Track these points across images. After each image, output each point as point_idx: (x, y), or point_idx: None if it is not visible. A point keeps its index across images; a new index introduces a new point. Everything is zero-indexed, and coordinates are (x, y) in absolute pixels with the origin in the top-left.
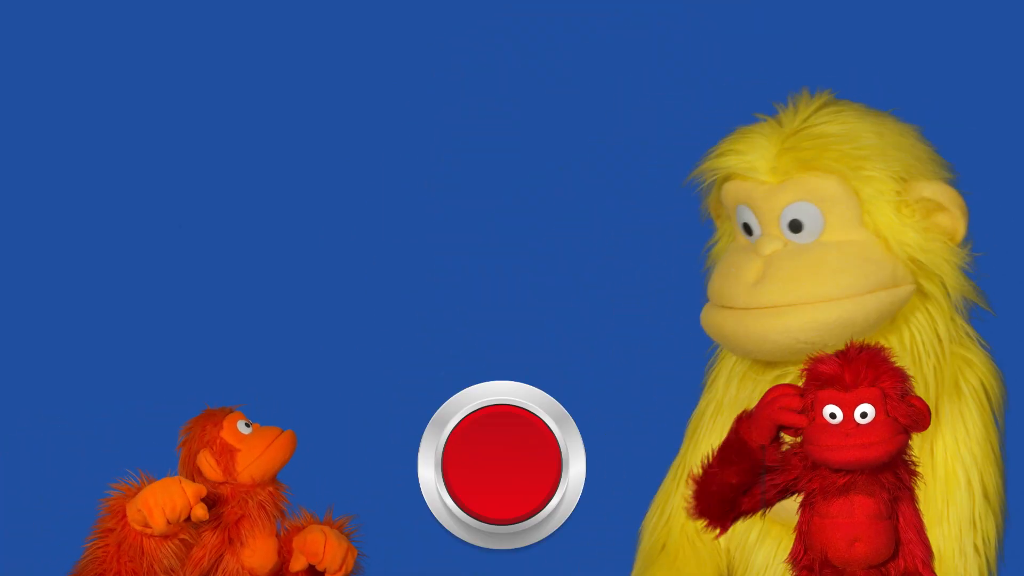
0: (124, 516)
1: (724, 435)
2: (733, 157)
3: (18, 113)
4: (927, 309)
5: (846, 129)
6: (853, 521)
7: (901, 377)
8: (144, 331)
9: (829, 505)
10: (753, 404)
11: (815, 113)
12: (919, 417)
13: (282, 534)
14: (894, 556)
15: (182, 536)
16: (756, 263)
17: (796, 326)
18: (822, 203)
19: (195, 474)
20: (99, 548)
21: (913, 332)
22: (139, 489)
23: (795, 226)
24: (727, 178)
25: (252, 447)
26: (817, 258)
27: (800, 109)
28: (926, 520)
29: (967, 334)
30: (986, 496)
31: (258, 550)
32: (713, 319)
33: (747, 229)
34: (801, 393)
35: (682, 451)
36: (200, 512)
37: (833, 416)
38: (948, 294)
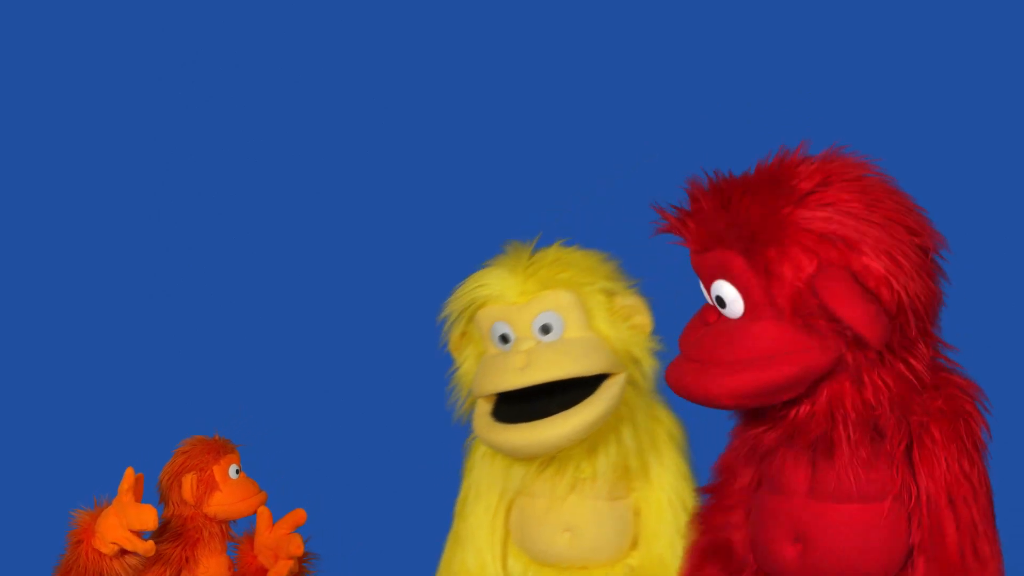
0: (88, 536)
1: (488, 515)
2: (486, 289)
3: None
4: (630, 387)
5: (570, 258)
6: (792, 503)
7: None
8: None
9: (768, 473)
10: (510, 482)
11: (543, 249)
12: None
13: (237, 553)
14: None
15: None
16: (519, 356)
17: (566, 432)
18: (562, 310)
19: (173, 485)
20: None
21: (622, 405)
22: (100, 511)
23: (546, 329)
24: (481, 306)
25: (231, 493)
26: (567, 346)
27: (530, 247)
28: (645, 536)
29: (654, 398)
30: (686, 510)
31: (211, 567)
32: (499, 437)
33: (504, 339)
34: None
35: (454, 529)
36: (148, 547)
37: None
38: (644, 373)
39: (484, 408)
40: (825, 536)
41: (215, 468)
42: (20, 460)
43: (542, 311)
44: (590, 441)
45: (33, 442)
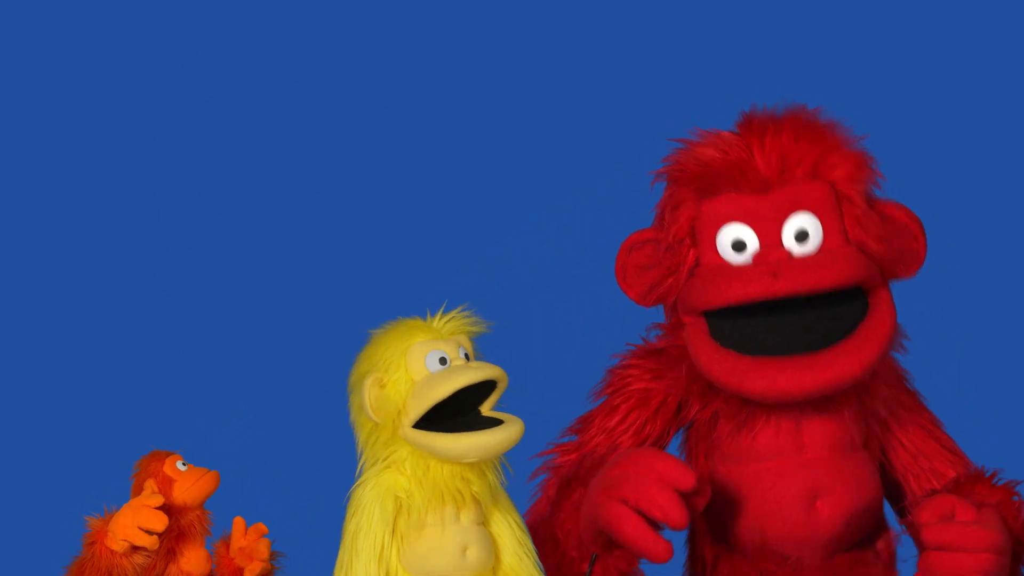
0: (101, 538)
1: (376, 552)
2: (424, 332)
3: None
4: None
5: (463, 318)
6: (802, 462)
7: (863, 159)
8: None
9: (752, 440)
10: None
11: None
12: (904, 230)
13: (215, 555)
14: (881, 526)
15: (144, 554)
16: (456, 363)
17: (514, 437)
18: (470, 351)
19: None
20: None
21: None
22: (111, 516)
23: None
24: (416, 343)
25: (186, 479)
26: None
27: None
28: (502, 554)
29: None
30: (524, 532)
31: (193, 558)
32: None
33: (443, 361)
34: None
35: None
36: (153, 541)
37: (740, 247)
38: None
39: (420, 435)
40: (851, 489)
41: (164, 468)
42: (20, 460)
43: (461, 346)
44: (477, 468)
45: (33, 443)
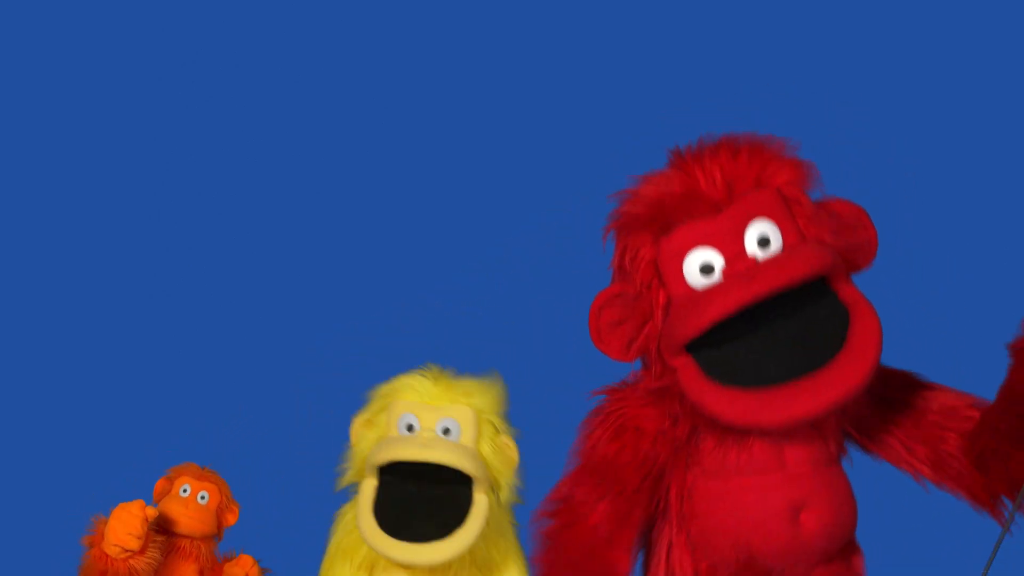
0: (98, 541)
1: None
2: (409, 385)
3: None
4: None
5: (478, 388)
6: (785, 476)
7: (801, 162)
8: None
9: (736, 455)
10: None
11: (460, 376)
12: (853, 221)
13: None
14: (853, 542)
15: (151, 553)
16: (423, 436)
17: (448, 555)
18: (462, 422)
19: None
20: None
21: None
22: (103, 522)
23: (446, 431)
24: (398, 398)
25: (184, 506)
26: (460, 446)
27: (451, 371)
28: None
29: (507, 517)
30: None
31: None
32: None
33: (409, 428)
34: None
35: None
36: (152, 512)
37: (708, 270)
38: (501, 497)
39: (367, 495)
40: (832, 501)
41: (171, 485)
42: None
43: (446, 416)
44: None
45: (33, 443)
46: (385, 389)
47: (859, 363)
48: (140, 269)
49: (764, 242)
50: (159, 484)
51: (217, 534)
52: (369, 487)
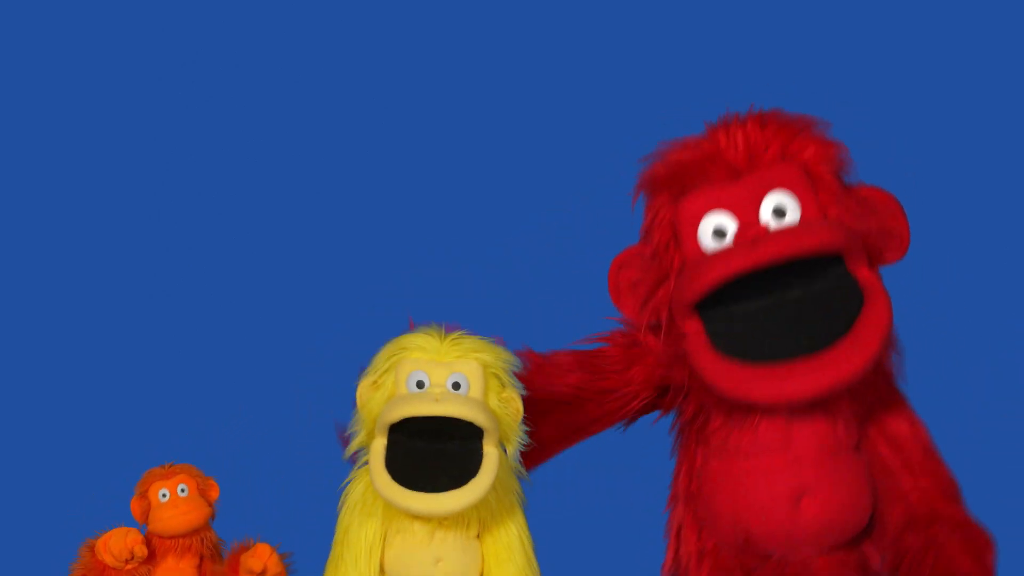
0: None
1: (367, 545)
2: (415, 343)
3: None
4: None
5: (483, 345)
6: (790, 459)
7: (831, 140)
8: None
9: (740, 435)
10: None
11: (462, 333)
12: (883, 210)
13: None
14: (872, 523)
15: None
16: (435, 392)
17: (461, 505)
18: (471, 376)
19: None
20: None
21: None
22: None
23: (456, 386)
24: (405, 357)
25: (163, 511)
26: (471, 399)
27: (450, 330)
28: (496, 568)
29: (511, 470)
30: (528, 553)
31: (165, 571)
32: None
33: (419, 385)
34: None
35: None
36: (141, 552)
37: (720, 234)
38: (509, 450)
39: (378, 452)
40: (837, 489)
41: (148, 492)
42: (20, 461)
43: (456, 372)
44: None
45: (33, 444)
46: (390, 350)
47: (860, 351)
48: (140, 269)
49: (780, 213)
50: (134, 505)
51: (211, 515)
52: (379, 445)
